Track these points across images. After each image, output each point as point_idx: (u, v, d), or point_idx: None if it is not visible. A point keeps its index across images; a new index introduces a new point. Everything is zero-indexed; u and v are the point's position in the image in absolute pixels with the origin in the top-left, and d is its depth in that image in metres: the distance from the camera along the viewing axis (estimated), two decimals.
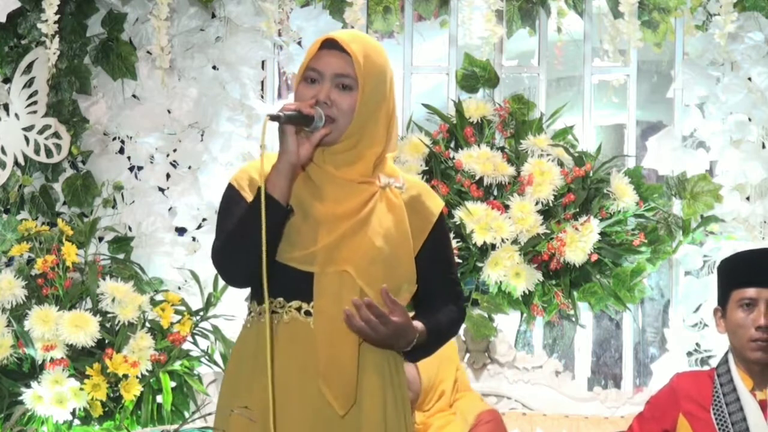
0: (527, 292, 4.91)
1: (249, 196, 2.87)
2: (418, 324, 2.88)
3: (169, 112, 5.33)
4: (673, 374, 3.91)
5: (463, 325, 4.84)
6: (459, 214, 4.90)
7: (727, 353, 3.78)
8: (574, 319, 5.04)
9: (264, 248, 2.75)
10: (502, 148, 5.10)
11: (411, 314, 2.96)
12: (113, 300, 4.65)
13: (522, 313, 5.05)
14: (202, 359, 4.82)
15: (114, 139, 5.33)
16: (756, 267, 3.75)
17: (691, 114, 5.24)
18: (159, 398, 4.70)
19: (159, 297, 4.89)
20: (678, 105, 5.26)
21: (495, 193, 5.04)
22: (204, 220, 5.27)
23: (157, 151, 5.31)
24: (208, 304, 4.87)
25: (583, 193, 5.00)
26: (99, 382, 4.52)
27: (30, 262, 4.82)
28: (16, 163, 5.18)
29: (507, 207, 4.94)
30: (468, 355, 4.96)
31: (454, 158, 5.03)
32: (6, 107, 5.18)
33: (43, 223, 5.05)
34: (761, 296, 3.69)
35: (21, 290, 4.65)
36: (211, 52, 5.32)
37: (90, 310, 4.64)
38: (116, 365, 4.53)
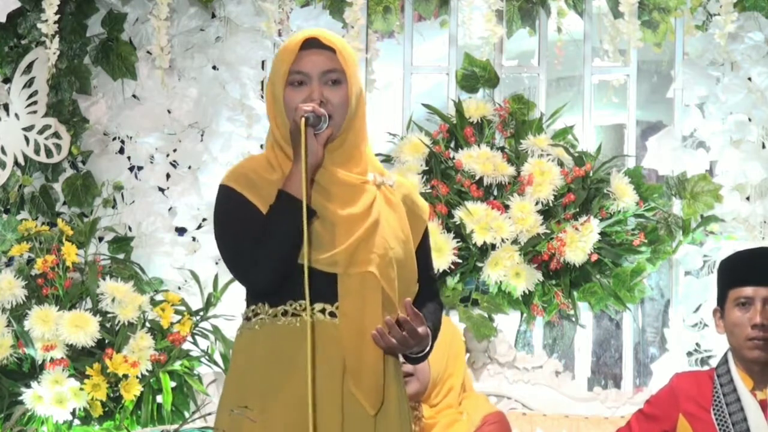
0: (527, 292, 4.91)
1: (256, 200, 2.86)
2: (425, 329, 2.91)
3: (169, 112, 5.33)
4: (673, 374, 3.91)
5: (463, 325, 4.86)
6: (459, 214, 4.90)
7: (726, 353, 3.78)
8: (574, 319, 5.04)
9: (307, 254, 2.77)
10: (502, 148, 5.10)
11: None
12: (113, 300, 4.65)
13: (522, 313, 5.05)
14: (202, 359, 4.82)
15: (114, 139, 5.33)
16: (752, 266, 3.76)
17: (691, 114, 5.24)
18: (159, 398, 4.70)
19: (159, 297, 4.89)
20: (678, 105, 5.26)
21: (495, 193, 5.04)
22: (204, 220, 5.27)
23: (157, 151, 5.31)
24: (208, 304, 4.87)
25: (583, 193, 5.00)
26: (99, 382, 4.51)
27: (30, 262, 4.82)
28: (16, 163, 5.18)
29: (507, 207, 4.94)
30: (468, 355, 4.96)
31: (454, 158, 5.03)
32: (6, 107, 5.18)
33: (43, 223, 5.04)
34: (758, 295, 3.69)
35: (21, 290, 4.65)
36: (211, 52, 5.32)
37: (90, 310, 4.64)
38: (116, 365, 4.53)
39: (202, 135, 5.30)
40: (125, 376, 4.54)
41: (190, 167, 5.29)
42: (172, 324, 4.73)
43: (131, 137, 5.32)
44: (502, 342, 4.96)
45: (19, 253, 4.79)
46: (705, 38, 5.17)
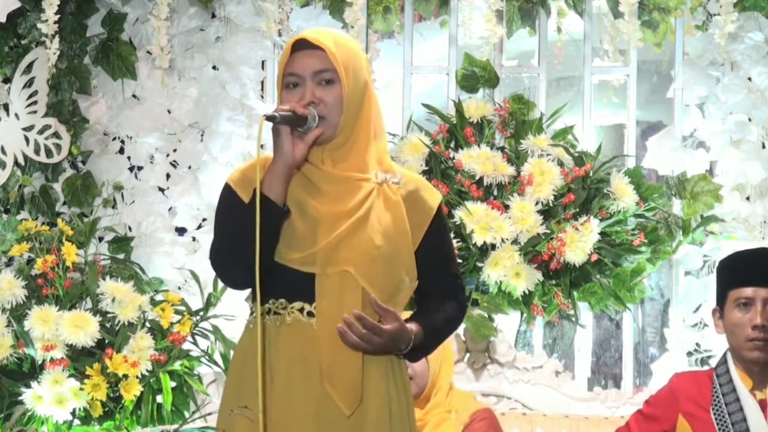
0: (527, 292, 4.91)
1: (245, 197, 2.87)
2: (413, 325, 2.89)
3: (169, 112, 5.33)
4: (672, 374, 3.91)
5: (463, 325, 4.86)
6: (459, 214, 4.90)
7: (725, 353, 3.78)
8: (574, 319, 5.04)
9: (257, 250, 2.76)
10: (502, 148, 5.10)
11: (409, 313, 2.97)
12: (113, 300, 4.65)
13: (522, 313, 5.05)
14: (202, 359, 4.82)
15: (114, 139, 5.33)
16: (752, 266, 3.75)
17: (691, 114, 5.24)
18: (159, 398, 4.70)
19: (159, 297, 4.89)
20: (678, 105, 5.26)
21: (495, 193, 5.04)
22: (204, 220, 5.27)
23: (157, 151, 5.31)
24: (208, 304, 4.87)
25: (583, 193, 5.00)
26: (99, 382, 4.51)
27: (30, 262, 4.82)
28: (16, 163, 5.18)
29: (507, 207, 4.94)
30: (468, 355, 4.96)
31: (454, 158, 5.03)
32: (6, 107, 5.18)
33: (43, 223, 5.05)
34: (758, 295, 3.69)
35: (21, 290, 4.65)
36: (211, 52, 5.32)
37: (90, 310, 4.64)
38: (116, 365, 4.53)
39: (202, 135, 5.30)
40: (125, 376, 4.54)
41: (190, 167, 5.29)
42: (172, 324, 4.73)
43: (131, 137, 5.32)
44: (502, 342, 4.96)
45: (19, 253, 4.79)
46: (705, 38, 5.17)
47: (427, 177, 5.01)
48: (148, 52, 5.31)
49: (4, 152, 5.17)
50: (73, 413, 4.52)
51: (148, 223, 5.25)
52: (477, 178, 4.98)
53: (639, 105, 5.39)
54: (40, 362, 4.54)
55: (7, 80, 5.19)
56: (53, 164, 5.22)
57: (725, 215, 5.10)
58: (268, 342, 2.83)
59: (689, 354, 5.11)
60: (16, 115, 5.18)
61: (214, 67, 5.33)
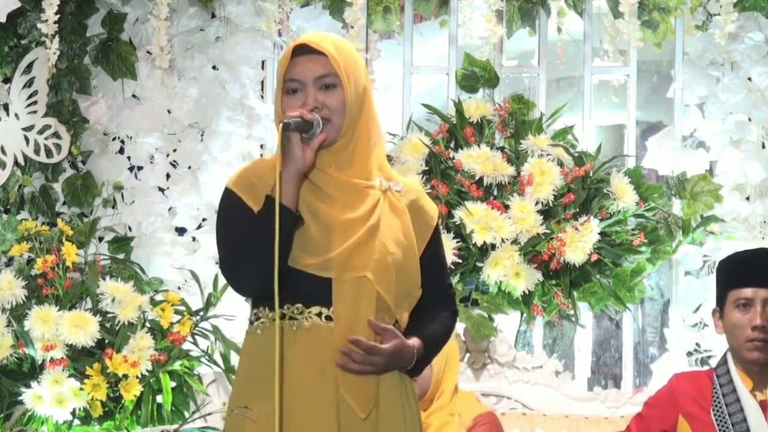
0: (527, 292, 4.91)
1: (252, 203, 2.87)
2: (413, 340, 2.91)
3: (169, 112, 5.33)
4: (672, 375, 3.91)
5: (463, 325, 4.87)
6: (459, 214, 4.90)
7: (725, 354, 3.78)
8: (574, 319, 5.04)
9: (276, 257, 2.75)
10: (502, 148, 5.10)
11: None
12: (113, 300, 4.65)
13: (522, 313, 5.05)
14: (202, 359, 4.82)
15: (114, 139, 5.33)
16: (752, 267, 3.75)
17: (691, 114, 5.24)
18: (159, 398, 4.69)
19: (159, 297, 4.88)
20: (678, 105, 5.26)
21: (495, 193, 5.04)
22: (204, 220, 5.27)
23: (157, 151, 5.31)
24: (208, 304, 4.87)
25: (583, 193, 5.00)
26: (99, 382, 4.51)
27: (30, 262, 4.82)
28: (16, 163, 5.17)
29: (507, 207, 4.94)
30: (468, 355, 4.96)
31: (454, 158, 5.03)
32: (6, 107, 5.18)
33: (43, 223, 5.04)
34: (757, 296, 3.69)
35: (21, 290, 4.64)
36: (211, 52, 5.32)
37: (90, 310, 4.64)
38: (116, 365, 4.52)
39: (202, 135, 5.30)
40: (125, 376, 4.54)
41: (190, 167, 5.29)
42: (172, 324, 4.73)
43: (131, 137, 5.32)
44: (502, 342, 4.96)
45: (19, 253, 4.79)
46: (705, 38, 5.17)
47: (427, 177, 5.01)
48: (148, 52, 5.31)
49: (4, 152, 5.17)
50: (73, 413, 4.52)
51: (148, 223, 5.25)
52: (477, 178, 4.98)
53: (639, 105, 5.39)
54: (40, 362, 4.54)
55: (7, 80, 5.19)
56: (53, 164, 5.22)
57: (725, 215, 5.10)
58: (284, 346, 2.82)
59: (689, 354, 5.11)
60: (16, 115, 5.18)
61: (214, 67, 5.33)
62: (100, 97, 5.35)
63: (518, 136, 5.13)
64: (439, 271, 3.02)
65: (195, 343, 4.83)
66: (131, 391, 4.56)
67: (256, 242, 2.80)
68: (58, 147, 5.17)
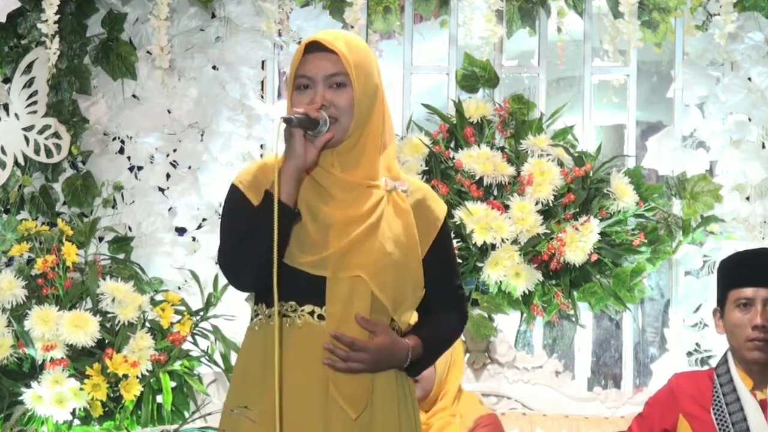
0: (527, 292, 4.91)
1: (254, 198, 2.87)
2: (411, 338, 2.90)
3: (169, 112, 5.33)
4: (672, 375, 3.91)
5: None
6: (459, 214, 4.90)
7: (726, 353, 3.78)
8: (574, 319, 5.04)
9: (275, 252, 2.75)
10: (502, 148, 5.10)
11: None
12: (113, 300, 4.65)
13: (522, 313, 5.05)
14: (202, 359, 4.82)
15: (114, 139, 5.33)
16: (753, 267, 3.75)
17: (691, 114, 5.24)
18: (159, 398, 4.70)
19: (159, 297, 4.89)
20: (678, 105, 5.26)
21: (495, 193, 5.04)
22: (204, 220, 5.27)
23: (157, 151, 5.31)
24: (208, 304, 4.87)
25: (583, 193, 5.00)
26: (99, 382, 4.51)
27: (30, 262, 4.82)
28: (16, 163, 5.18)
29: (507, 207, 4.94)
30: (468, 355, 4.96)
31: (454, 158, 5.03)
32: (6, 107, 5.18)
33: (43, 223, 5.05)
34: (758, 296, 3.69)
35: (21, 290, 4.65)
36: (211, 52, 5.32)
37: (90, 310, 4.64)
38: (116, 365, 4.53)
39: (202, 135, 5.30)
40: (125, 376, 4.54)
41: (190, 167, 5.29)
42: (172, 324, 4.73)
43: (131, 137, 5.32)
44: (502, 342, 4.96)
45: (19, 253, 4.79)
46: (705, 38, 5.17)
47: (427, 177, 5.01)
48: (148, 52, 5.31)
49: (4, 152, 5.17)
50: (73, 413, 4.52)
51: (148, 223, 5.25)
52: (477, 178, 4.98)
53: (639, 105, 5.39)
54: (40, 362, 4.54)
55: (7, 80, 5.19)
56: (53, 164, 5.22)
57: (725, 215, 5.10)
58: (274, 344, 2.82)
59: (689, 354, 5.11)
60: (16, 115, 5.18)
61: (214, 67, 5.33)
62: (100, 97, 5.35)
63: (518, 136, 5.13)
64: (447, 271, 2.99)
65: (195, 343, 4.83)
66: (131, 391, 4.56)
67: (252, 237, 2.80)
68: (58, 147, 5.17)
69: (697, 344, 5.11)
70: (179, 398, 4.74)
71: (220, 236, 2.92)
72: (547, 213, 4.96)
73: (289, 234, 2.81)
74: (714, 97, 5.18)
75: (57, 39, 4.97)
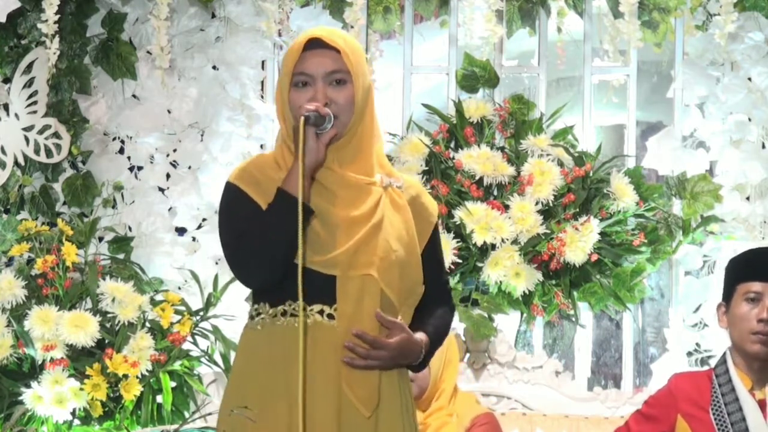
0: (527, 292, 4.91)
1: (258, 197, 2.86)
2: (420, 335, 2.90)
3: (169, 112, 5.33)
4: (671, 375, 3.91)
5: (463, 325, 4.87)
6: (459, 214, 4.90)
7: (725, 353, 3.78)
8: (574, 319, 5.04)
9: (301, 252, 2.75)
10: (502, 148, 5.10)
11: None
12: (113, 300, 4.65)
13: (522, 313, 5.05)
14: (202, 359, 4.82)
15: (114, 139, 5.33)
16: (763, 262, 3.77)
17: (691, 114, 5.24)
18: (159, 398, 4.70)
19: (159, 297, 4.89)
20: (678, 105, 5.26)
21: (495, 193, 5.04)
22: (204, 220, 5.27)
23: (157, 151, 5.31)
24: (208, 304, 4.87)
25: (583, 193, 5.00)
26: (99, 382, 4.52)
27: (30, 262, 4.82)
28: (16, 163, 5.18)
29: (507, 207, 4.94)
30: (468, 355, 4.96)
31: (454, 158, 5.03)
32: (6, 107, 5.18)
33: (43, 223, 5.05)
34: (766, 291, 3.71)
35: (21, 290, 4.65)
36: (211, 52, 5.32)
37: (90, 310, 4.64)
38: (116, 365, 4.53)
39: (202, 135, 5.31)
40: (125, 376, 4.54)
41: (190, 167, 5.29)
42: (172, 324, 4.73)
43: (131, 137, 5.32)
44: (502, 342, 4.96)
45: (19, 253, 4.79)
46: (705, 38, 5.17)
47: (427, 177, 5.01)
48: (148, 52, 5.31)
49: (4, 152, 5.17)
50: (73, 413, 4.52)
51: (148, 223, 5.25)
52: (477, 178, 4.98)
53: (639, 105, 5.39)
54: (40, 362, 4.54)
55: (7, 80, 5.19)
56: (53, 164, 5.22)
57: (725, 215, 5.10)
58: (283, 343, 2.82)
59: (689, 354, 5.11)
60: (16, 115, 5.18)
61: (214, 67, 5.33)
62: (100, 97, 5.35)
63: (518, 136, 5.13)
64: (438, 267, 3.02)
65: (195, 343, 4.83)
66: (131, 391, 4.56)
67: (267, 236, 2.80)
68: (58, 147, 5.17)
69: (697, 344, 5.11)
70: (179, 398, 4.75)
71: (224, 237, 2.90)
72: (547, 213, 4.96)
73: (305, 233, 2.81)
74: (714, 97, 5.18)
75: (57, 39, 4.97)
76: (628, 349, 5.26)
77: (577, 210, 4.97)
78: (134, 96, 5.35)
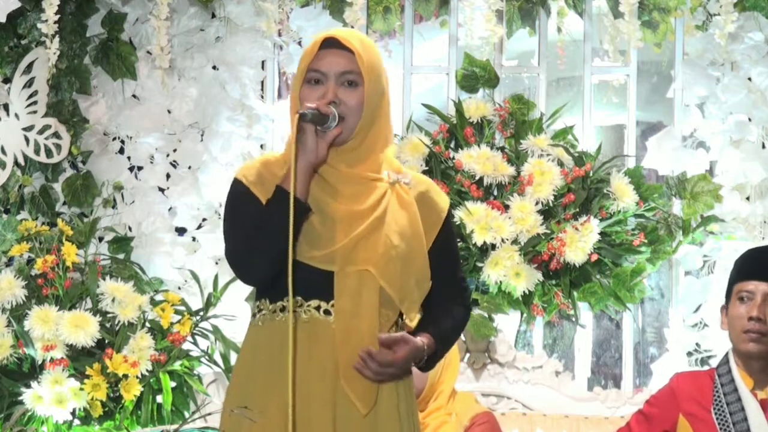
0: (527, 292, 4.91)
1: (260, 194, 2.86)
2: (423, 337, 2.90)
3: (169, 112, 5.33)
4: (673, 374, 3.91)
5: None
6: (459, 214, 4.90)
7: (727, 353, 3.79)
8: (574, 319, 5.04)
9: (291, 247, 2.75)
10: (502, 148, 5.10)
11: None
12: (113, 300, 4.65)
13: (522, 313, 5.05)
14: (202, 359, 4.82)
15: (114, 139, 5.33)
16: (757, 262, 3.78)
17: (691, 114, 5.24)
18: (159, 398, 4.70)
19: (159, 297, 4.89)
20: (678, 105, 5.26)
21: (495, 193, 5.04)
22: (204, 220, 5.27)
23: (157, 151, 5.31)
24: (208, 304, 4.87)
25: (583, 193, 5.00)
26: (99, 382, 4.52)
27: (30, 262, 4.82)
28: (16, 163, 5.18)
29: (507, 207, 4.94)
30: (468, 355, 4.96)
31: (454, 158, 5.03)
32: (6, 107, 5.18)
33: (43, 223, 5.05)
34: (758, 290, 3.71)
35: (21, 290, 4.65)
36: (211, 52, 5.32)
37: (90, 310, 4.64)
38: (116, 365, 4.53)
39: (202, 135, 5.31)
40: (125, 376, 4.54)
41: (190, 167, 5.29)
42: (172, 324, 4.73)
43: (131, 137, 5.32)
44: (502, 342, 4.97)
45: (19, 253, 4.79)
46: (705, 38, 5.17)
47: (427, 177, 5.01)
48: (148, 52, 5.31)
49: (4, 152, 5.17)
50: (73, 413, 4.52)
51: (148, 223, 5.25)
52: (477, 178, 4.98)
53: (639, 105, 5.39)
54: (40, 362, 4.54)
55: (7, 80, 5.19)
56: (53, 164, 5.22)
57: (725, 215, 5.10)
58: (281, 340, 2.82)
59: (689, 354, 5.12)
60: (16, 115, 5.18)
61: (214, 67, 5.33)
62: (100, 97, 5.35)
63: (518, 136, 5.13)
64: (451, 264, 3.00)
65: (195, 343, 4.83)
66: (131, 391, 4.56)
67: (265, 233, 2.80)
68: (58, 147, 5.17)
69: (697, 344, 5.11)
70: (179, 398, 4.75)
71: (225, 232, 2.91)
72: (547, 213, 4.96)
73: (300, 229, 2.81)
74: (714, 97, 5.18)
75: (57, 39, 4.97)
76: (628, 349, 5.26)
77: (577, 210, 4.97)
78: (134, 96, 5.35)
